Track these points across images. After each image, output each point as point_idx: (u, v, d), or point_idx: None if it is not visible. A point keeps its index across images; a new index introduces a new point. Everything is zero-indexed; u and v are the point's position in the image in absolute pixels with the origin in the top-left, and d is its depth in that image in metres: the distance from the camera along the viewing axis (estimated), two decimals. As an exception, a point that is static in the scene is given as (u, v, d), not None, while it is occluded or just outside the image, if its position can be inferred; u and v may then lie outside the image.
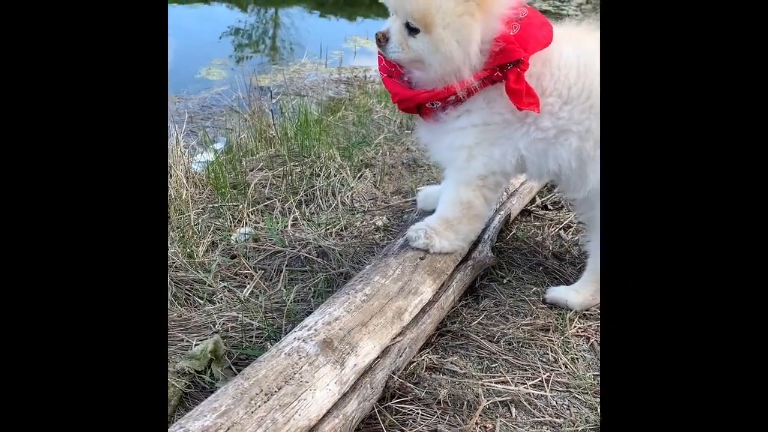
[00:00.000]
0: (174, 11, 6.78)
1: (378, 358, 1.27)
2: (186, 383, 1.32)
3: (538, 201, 2.29)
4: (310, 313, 1.32)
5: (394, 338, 1.32)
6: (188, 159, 2.45)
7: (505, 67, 1.35)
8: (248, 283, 1.76)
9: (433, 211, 1.66)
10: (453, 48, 1.32)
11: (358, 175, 2.44)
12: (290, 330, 1.25)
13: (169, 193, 2.17)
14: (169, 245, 1.88)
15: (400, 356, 1.34)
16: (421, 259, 1.54)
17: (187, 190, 2.21)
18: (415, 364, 1.44)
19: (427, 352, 1.49)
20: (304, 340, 1.17)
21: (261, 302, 1.66)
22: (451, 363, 1.46)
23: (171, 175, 2.24)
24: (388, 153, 2.70)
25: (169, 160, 2.32)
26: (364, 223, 2.09)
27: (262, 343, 1.50)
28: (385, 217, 2.12)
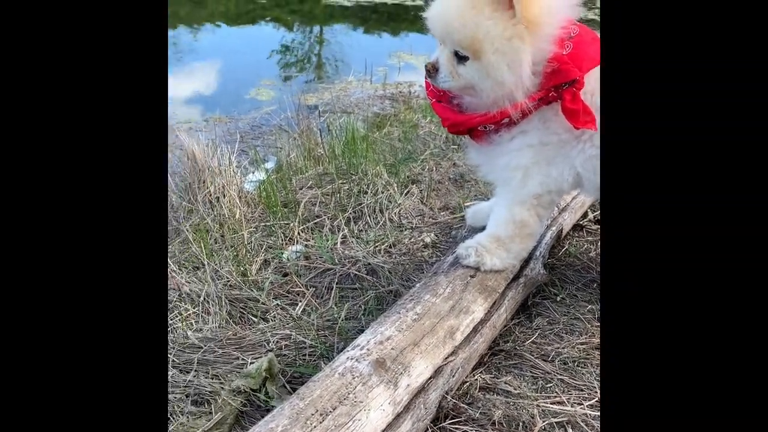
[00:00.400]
0: (222, 32, 7.02)
1: (431, 378, 1.26)
2: (242, 402, 1.35)
3: (591, 215, 2.23)
4: (361, 331, 1.33)
5: (446, 358, 1.32)
6: (241, 179, 2.52)
7: (561, 87, 1.34)
8: (300, 301, 1.79)
9: (482, 228, 1.65)
10: (504, 72, 1.31)
11: (405, 191, 2.44)
12: (342, 348, 1.26)
13: (222, 213, 2.23)
14: (223, 264, 1.94)
15: (453, 376, 1.33)
16: (472, 277, 1.53)
17: (240, 209, 2.27)
18: (468, 384, 1.42)
19: (480, 372, 1.47)
20: (357, 360, 1.18)
21: (313, 320, 1.68)
22: (505, 383, 1.44)
23: (224, 195, 2.31)
24: (434, 168, 2.70)
25: (223, 180, 2.39)
26: (412, 240, 2.09)
27: (315, 361, 1.51)
28: (433, 234, 2.12)
